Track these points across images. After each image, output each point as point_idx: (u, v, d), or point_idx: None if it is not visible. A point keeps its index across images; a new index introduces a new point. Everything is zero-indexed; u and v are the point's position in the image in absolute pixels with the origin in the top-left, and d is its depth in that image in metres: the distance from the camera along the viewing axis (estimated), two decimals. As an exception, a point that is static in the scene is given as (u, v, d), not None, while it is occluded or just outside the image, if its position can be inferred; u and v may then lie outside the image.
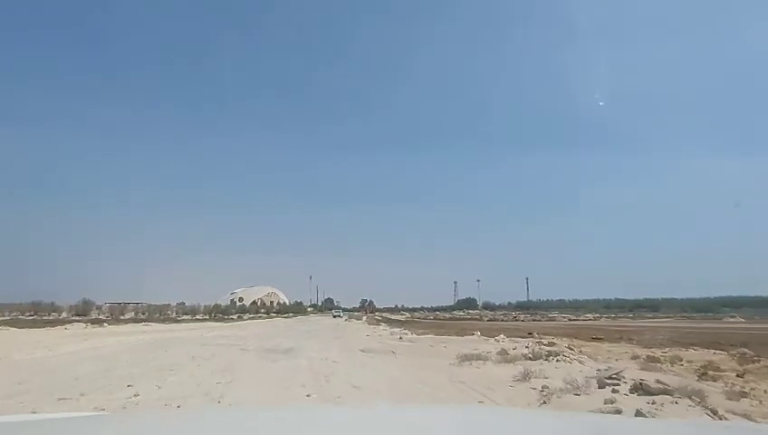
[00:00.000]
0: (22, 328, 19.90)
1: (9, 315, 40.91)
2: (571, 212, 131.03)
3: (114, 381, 6.80)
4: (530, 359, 9.11)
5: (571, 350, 11.24)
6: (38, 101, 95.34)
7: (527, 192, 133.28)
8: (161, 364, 8.78)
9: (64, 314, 43.08)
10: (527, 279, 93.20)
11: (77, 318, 39.03)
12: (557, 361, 8.95)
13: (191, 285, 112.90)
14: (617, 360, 9.73)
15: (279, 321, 42.96)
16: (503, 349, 10.78)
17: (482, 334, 16.37)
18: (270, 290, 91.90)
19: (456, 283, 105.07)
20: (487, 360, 9.01)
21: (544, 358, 9.16)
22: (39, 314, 42.55)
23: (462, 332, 18.69)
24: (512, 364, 8.49)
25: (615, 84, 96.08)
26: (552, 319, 44.30)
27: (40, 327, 20.90)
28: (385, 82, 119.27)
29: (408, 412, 1.86)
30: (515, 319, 45.95)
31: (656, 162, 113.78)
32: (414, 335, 17.82)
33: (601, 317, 46.66)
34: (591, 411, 4.51)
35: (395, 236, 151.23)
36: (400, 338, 16.19)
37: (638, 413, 4.42)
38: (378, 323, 38.38)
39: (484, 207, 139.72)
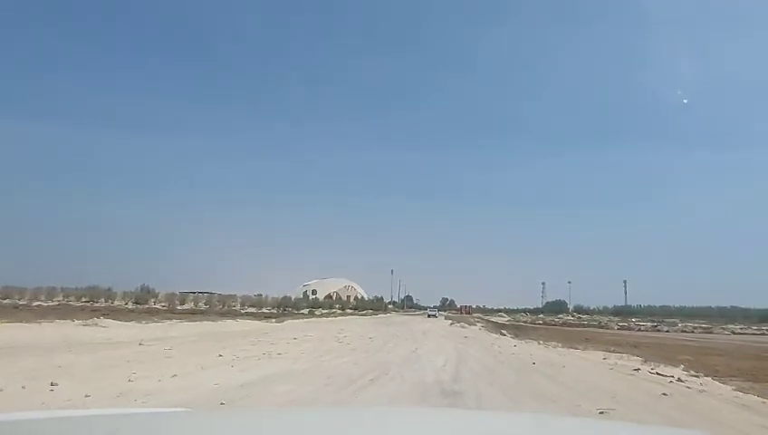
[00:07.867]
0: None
1: (65, 300, 36.83)
2: (674, 213, 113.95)
3: None
4: None
5: None
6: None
7: (622, 192, 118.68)
8: None
9: (117, 302, 38.25)
10: (625, 282, 77.89)
11: (127, 307, 33.35)
12: None
13: (267, 277, 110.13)
14: None
15: (355, 324, 27.09)
16: None
17: None
18: (346, 283, 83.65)
19: (543, 284, 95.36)
20: None
21: None
22: (94, 301, 38.00)
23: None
24: None
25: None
26: (709, 330, 30.97)
27: None
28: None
29: (424, 415, 1.79)
30: (657, 329, 32.03)
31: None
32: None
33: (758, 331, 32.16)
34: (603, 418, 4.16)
35: (475, 234, 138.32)
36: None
37: None
38: (500, 330, 26.11)
39: (574, 208, 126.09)
